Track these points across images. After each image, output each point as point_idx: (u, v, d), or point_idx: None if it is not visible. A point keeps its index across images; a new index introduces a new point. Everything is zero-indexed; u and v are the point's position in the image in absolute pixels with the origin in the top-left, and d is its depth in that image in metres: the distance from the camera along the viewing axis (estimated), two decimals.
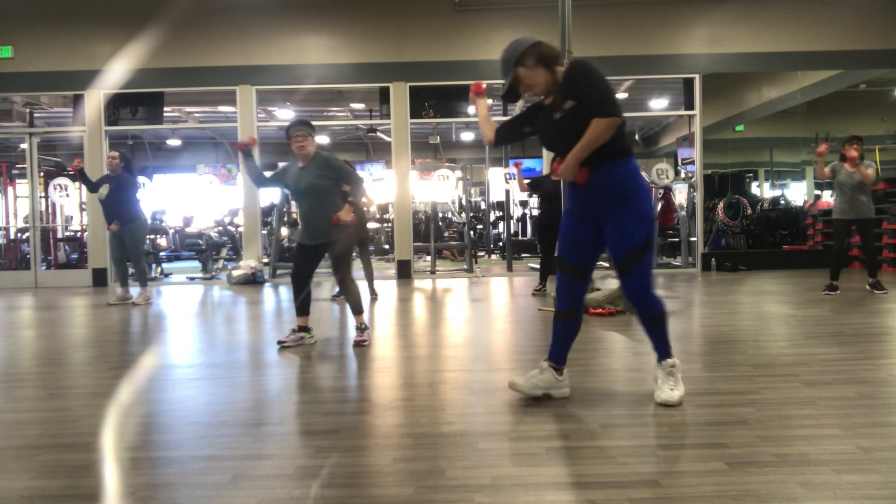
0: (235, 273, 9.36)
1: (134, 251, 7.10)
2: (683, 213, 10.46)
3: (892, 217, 9.18)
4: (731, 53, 9.68)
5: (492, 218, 15.93)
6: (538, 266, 7.89)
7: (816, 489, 1.95)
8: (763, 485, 1.99)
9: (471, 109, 10.00)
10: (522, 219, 16.33)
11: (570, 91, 2.73)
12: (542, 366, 2.96)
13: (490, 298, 7.14)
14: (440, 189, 11.15)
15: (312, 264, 4.53)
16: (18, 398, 3.32)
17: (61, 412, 3.00)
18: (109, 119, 9.89)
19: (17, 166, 12.04)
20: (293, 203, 10.03)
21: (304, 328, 4.52)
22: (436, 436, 2.54)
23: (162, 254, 11.56)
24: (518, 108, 8.75)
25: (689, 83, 9.87)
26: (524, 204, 16.12)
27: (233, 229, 11.46)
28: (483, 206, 16.63)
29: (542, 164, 10.65)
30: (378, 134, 16.00)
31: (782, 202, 12.41)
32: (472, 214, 13.42)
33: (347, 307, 4.95)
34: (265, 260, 10.13)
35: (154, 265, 10.73)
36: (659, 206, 10.59)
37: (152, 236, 12.03)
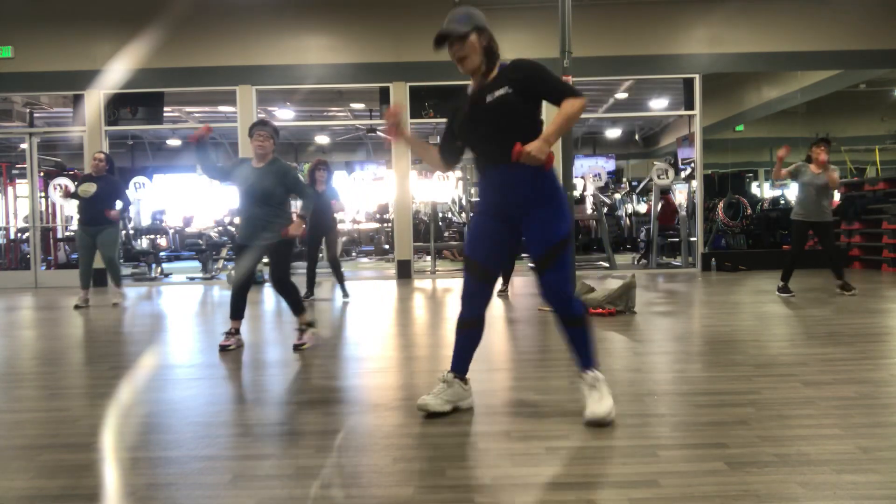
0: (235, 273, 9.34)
1: (110, 252, 7.07)
2: (684, 213, 10.46)
3: (891, 217, 9.18)
4: (731, 53, 9.68)
5: None
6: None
7: (816, 489, 1.95)
8: (763, 485, 1.98)
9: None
10: None
11: (517, 81, 2.61)
12: (447, 378, 2.80)
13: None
14: (440, 189, 11.15)
15: (252, 263, 4.42)
16: (18, 398, 3.32)
17: (61, 412, 3.00)
18: (109, 119, 9.89)
19: (17, 166, 12.04)
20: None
21: (308, 323, 4.47)
22: (436, 436, 2.54)
23: (162, 254, 11.56)
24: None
25: (689, 83, 9.87)
26: None
27: (233, 229, 11.45)
28: None
29: None
30: (378, 133, 15.98)
31: (782, 202, 12.41)
32: (471, 214, 13.40)
33: (345, 307, 4.94)
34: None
35: (154, 265, 10.73)
36: (659, 206, 10.59)
37: (152, 236, 12.04)
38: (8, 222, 11.86)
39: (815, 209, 6.50)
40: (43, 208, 11.11)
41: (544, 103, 2.66)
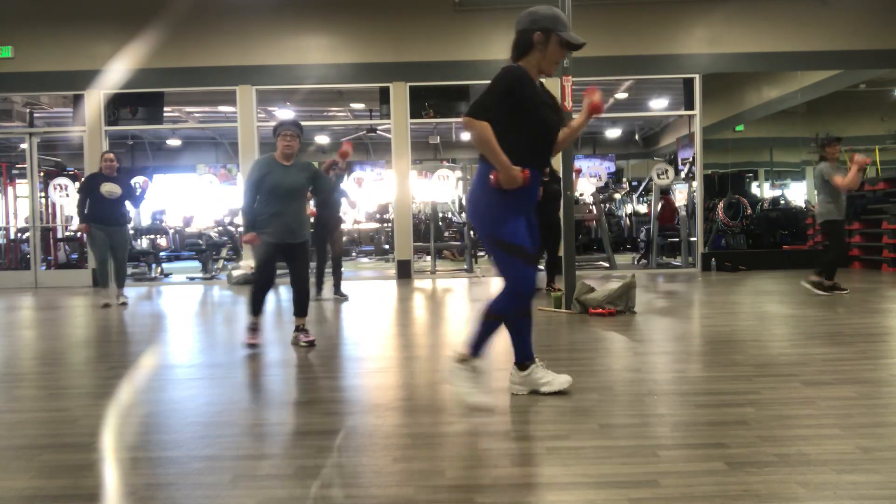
0: (235, 273, 9.35)
1: (123, 253, 7.13)
2: (684, 213, 10.46)
3: (891, 217, 9.18)
4: (731, 53, 9.68)
5: None
6: (541, 266, 7.87)
7: (816, 489, 1.95)
8: (763, 485, 1.98)
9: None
10: None
11: None
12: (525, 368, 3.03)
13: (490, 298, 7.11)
14: (440, 189, 11.15)
15: (276, 262, 4.50)
16: (18, 398, 3.32)
17: (61, 412, 3.00)
18: (109, 119, 9.89)
19: (17, 166, 12.04)
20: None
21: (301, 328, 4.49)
22: (436, 436, 2.54)
23: (162, 254, 11.56)
24: None
25: (689, 83, 9.87)
26: None
27: (233, 229, 11.46)
28: None
29: None
30: (378, 133, 15.99)
31: (782, 202, 12.41)
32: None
33: (345, 307, 4.94)
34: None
35: (154, 265, 10.73)
36: (659, 206, 10.59)
37: (152, 236, 12.04)
38: (8, 222, 11.86)
39: (843, 207, 6.48)
40: (43, 208, 11.10)
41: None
